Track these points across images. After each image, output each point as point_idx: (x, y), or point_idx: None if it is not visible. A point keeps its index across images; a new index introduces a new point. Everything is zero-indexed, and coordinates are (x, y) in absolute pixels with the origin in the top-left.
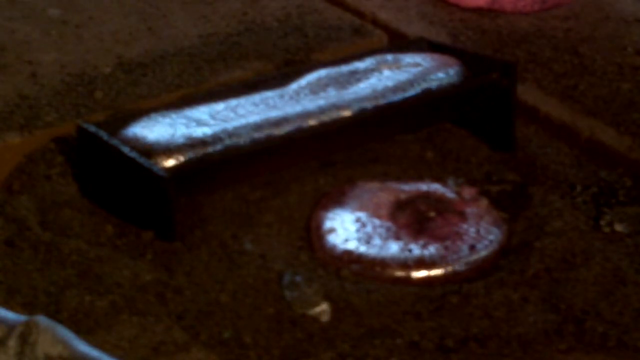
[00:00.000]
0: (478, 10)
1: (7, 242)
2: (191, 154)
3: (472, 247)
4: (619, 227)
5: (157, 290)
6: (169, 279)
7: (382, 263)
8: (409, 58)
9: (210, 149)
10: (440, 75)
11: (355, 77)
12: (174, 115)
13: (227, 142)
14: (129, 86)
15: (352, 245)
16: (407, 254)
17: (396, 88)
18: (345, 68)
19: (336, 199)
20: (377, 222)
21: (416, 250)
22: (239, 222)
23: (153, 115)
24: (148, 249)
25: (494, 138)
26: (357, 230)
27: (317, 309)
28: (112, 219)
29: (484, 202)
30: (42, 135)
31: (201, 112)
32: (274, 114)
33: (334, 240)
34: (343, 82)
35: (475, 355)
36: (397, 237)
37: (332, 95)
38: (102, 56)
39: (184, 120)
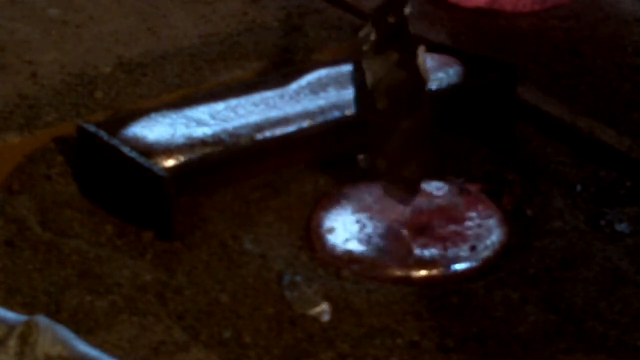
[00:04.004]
0: (478, 10)
1: (7, 242)
2: (191, 154)
3: (473, 247)
4: (619, 227)
5: (157, 290)
6: (169, 279)
7: (382, 263)
8: None
9: (210, 149)
10: (440, 75)
11: None
12: (174, 115)
13: (227, 142)
14: (129, 86)
15: (352, 245)
16: (407, 254)
17: None
18: (345, 68)
19: (336, 199)
20: (377, 222)
21: (416, 250)
22: (239, 222)
23: (153, 115)
24: (148, 249)
25: (494, 138)
26: (357, 230)
27: (317, 309)
28: (112, 219)
29: (484, 202)
30: (42, 135)
31: (201, 112)
32: (274, 114)
33: (334, 240)
34: (343, 82)
35: (475, 355)
36: (397, 237)
37: (332, 95)
38: (102, 56)
39: (184, 120)
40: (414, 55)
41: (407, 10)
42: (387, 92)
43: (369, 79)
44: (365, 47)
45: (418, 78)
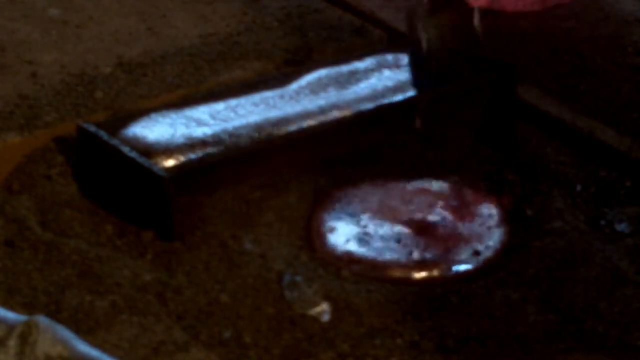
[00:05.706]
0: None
1: (7, 242)
2: (191, 154)
3: (477, 253)
4: (619, 227)
5: (157, 290)
6: (169, 279)
7: (382, 263)
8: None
9: (210, 149)
10: None
11: (355, 77)
12: (174, 115)
13: (227, 142)
14: (129, 86)
15: (352, 245)
16: (407, 254)
17: (396, 88)
18: (345, 68)
19: (337, 199)
20: (377, 222)
21: (417, 250)
22: (239, 222)
23: (153, 115)
24: (148, 249)
25: (495, 138)
26: (358, 230)
27: (317, 309)
28: (112, 219)
29: (485, 202)
30: (42, 135)
31: (201, 112)
32: (274, 114)
33: (334, 240)
34: (343, 82)
35: (475, 355)
36: (398, 237)
37: (332, 95)
38: (102, 56)
39: (184, 120)
40: (470, 16)
41: None
42: (444, 53)
43: (424, 41)
44: (419, 10)
45: (474, 38)
